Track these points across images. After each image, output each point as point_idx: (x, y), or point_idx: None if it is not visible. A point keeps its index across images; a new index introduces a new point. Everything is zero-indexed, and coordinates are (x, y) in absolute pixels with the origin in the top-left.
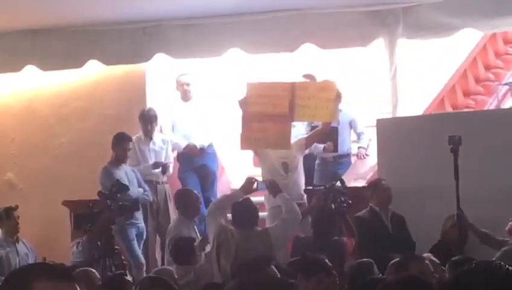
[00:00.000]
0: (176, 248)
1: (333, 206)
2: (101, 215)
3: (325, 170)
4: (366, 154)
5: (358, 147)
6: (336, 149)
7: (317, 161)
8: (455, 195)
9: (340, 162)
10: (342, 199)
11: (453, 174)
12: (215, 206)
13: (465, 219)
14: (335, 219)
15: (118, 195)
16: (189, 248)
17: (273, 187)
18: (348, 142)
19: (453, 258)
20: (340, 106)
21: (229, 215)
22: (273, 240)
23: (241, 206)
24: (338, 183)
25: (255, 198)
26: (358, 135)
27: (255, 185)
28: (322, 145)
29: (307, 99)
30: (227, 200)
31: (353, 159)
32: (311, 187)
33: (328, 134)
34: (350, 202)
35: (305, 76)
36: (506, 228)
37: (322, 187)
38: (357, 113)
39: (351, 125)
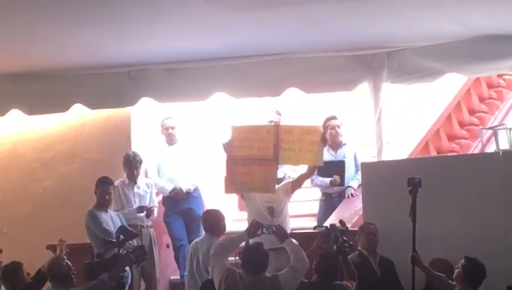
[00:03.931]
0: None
1: (335, 247)
2: (115, 263)
3: (330, 205)
4: (355, 194)
5: (347, 187)
6: (342, 183)
7: (321, 197)
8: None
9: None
10: (344, 238)
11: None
12: (222, 247)
13: (419, 261)
14: (338, 262)
15: (129, 242)
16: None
17: (280, 233)
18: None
19: None
20: (345, 140)
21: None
22: (283, 287)
23: (253, 250)
24: (338, 224)
25: None
26: (357, 169)
27: (259, 231)
28: (328, 179)
29: (291, 143)
30: (233, 242)
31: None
32: (312, 230)
33: (336, 167)
34: (352, 243)
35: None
36: (454, 275)
37: (323, 228)
38: (358, 146)
39: (355, 158)
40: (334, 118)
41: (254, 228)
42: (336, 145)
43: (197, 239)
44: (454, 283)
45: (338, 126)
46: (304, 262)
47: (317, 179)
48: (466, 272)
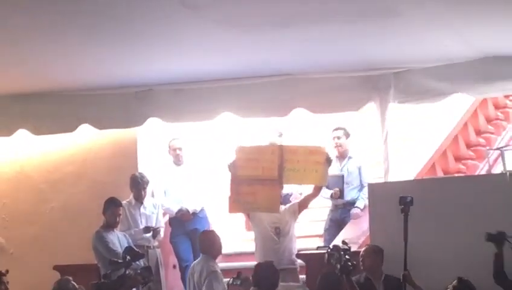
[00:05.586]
0: None
1: (338, 267)
2: (122, 284)
3: (335, 216)
4: (362, 214)
5: (354, 206)
6: (342, 196)
7: (331, 207)
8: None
9: (350, 209)
10: (347, 257)
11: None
12: None
13: (410, 279)
14: (339, 280)
15: (136, 263)
16: None
17: None
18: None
19: None
20: (351, 153)
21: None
22: None
23: (265, 267)
24: (340, 244)
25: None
26: (361, 186)
27: None
28: (330, 192)
29: (295, 163)
30: None
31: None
32: (315, 251)
33: (335, 181)
34: (355, 262)
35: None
36: None
37: (326, 248)
38: (364, 161)
39: (360, 173)
40: (336, 128)
41: None
42: (342, 156)
43: (195, 261)
44: None
45: (338, 137)
46: None
47: (323, 189)
48: None
